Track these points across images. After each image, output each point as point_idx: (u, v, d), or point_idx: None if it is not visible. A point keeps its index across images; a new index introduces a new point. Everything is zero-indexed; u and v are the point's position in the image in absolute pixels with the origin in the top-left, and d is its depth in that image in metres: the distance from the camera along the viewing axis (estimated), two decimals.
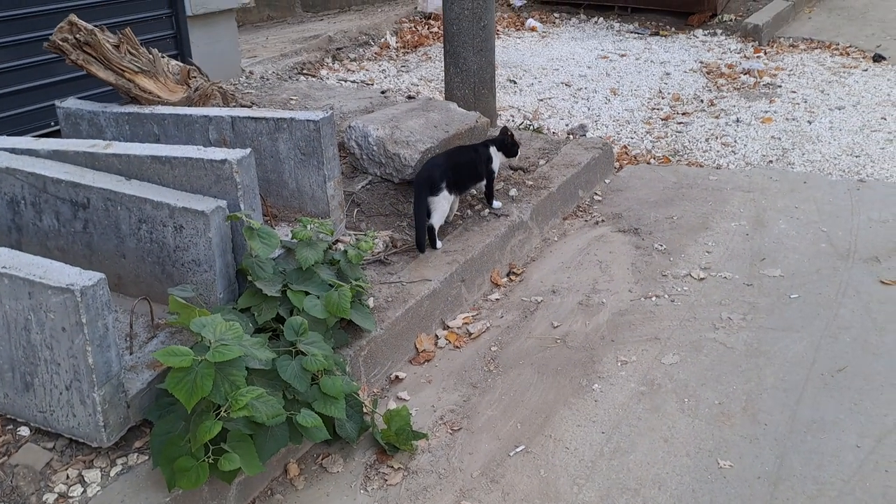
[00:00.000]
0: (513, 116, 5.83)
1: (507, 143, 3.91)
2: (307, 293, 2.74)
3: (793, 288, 3.60)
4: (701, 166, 5.03)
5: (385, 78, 6.63)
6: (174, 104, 3.55)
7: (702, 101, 6.22)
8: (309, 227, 2.93)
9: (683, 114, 5.97)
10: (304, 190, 3.32)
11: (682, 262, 3.86)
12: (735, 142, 5.37)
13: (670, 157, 5.18)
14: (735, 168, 4.98)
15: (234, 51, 6.18)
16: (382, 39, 7.56)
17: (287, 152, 3.28)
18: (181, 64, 3.69)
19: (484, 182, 3.94)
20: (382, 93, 5.97)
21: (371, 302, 3.19)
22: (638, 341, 3.27)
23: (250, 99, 4.93)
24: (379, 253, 3.61)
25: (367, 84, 6.39)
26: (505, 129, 3.96)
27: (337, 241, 3.47)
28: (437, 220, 3.68)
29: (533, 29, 8.18)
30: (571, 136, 5.48)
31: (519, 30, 8.25)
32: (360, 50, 7.33)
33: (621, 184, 4.76)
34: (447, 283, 3.46)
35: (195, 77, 3.63)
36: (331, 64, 6.92)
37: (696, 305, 3.50)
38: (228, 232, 2.75)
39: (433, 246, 3.68)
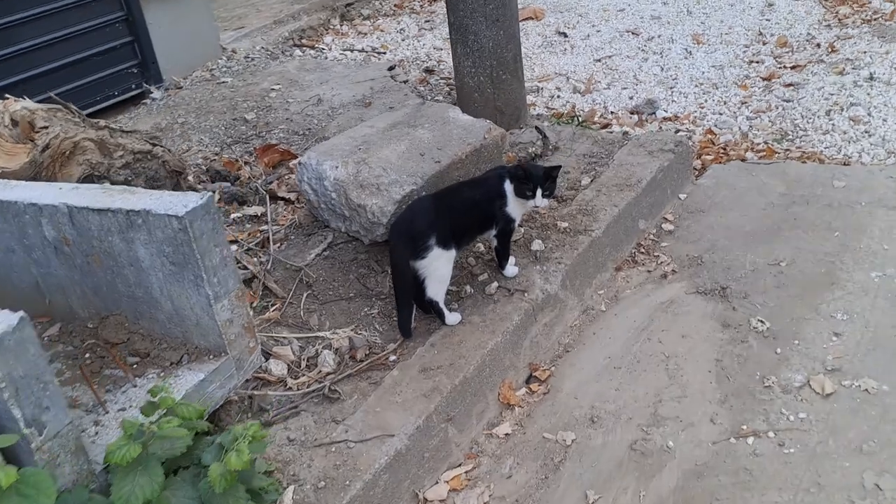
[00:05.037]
0: (558, 89, 4.42)
1: (526, 177, 2.56)
2: None
3: None
4: (821, 160, 3.54)
5: (403, 40, 5.28)
6: (13, 175, 2.41)
7: (818, 45, 4.62)
8: (152, 418, 1.76)
9: (793, 67, 4.40)
10: (184, 313, 2.14)
11: (795, 357, 2.51)
12: (869, 115, 3.82)
13: (775, 147, 3.70)
14: (872, 163, 3.48)
15: (209, 26, 4.96)
16: None
17: (151, 259, 2.09)
18: (28, 107, 2.52)
19: (494, 231, 2.66)
20: (390, 69, 4.66)
21: (289, 495, 2.02)
22: None
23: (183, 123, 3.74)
24: (327, 375, 2.43)
25: (379, 53, 5.07)
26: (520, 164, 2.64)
27: (252, 377, 2.30)
28: (435, 290, 2.53)
29: None
30: (636, 117, 4.06)
31: None
32: (377, 3, 5.97)
33: (703, 199, 3.36)
34: (422, 432, 2.24)
35: (45, 127, 2.46)
36: (338, 26, 5.60)
37: (822, 455, 2.18)
38: None
39: (443, 322, 2.56)
